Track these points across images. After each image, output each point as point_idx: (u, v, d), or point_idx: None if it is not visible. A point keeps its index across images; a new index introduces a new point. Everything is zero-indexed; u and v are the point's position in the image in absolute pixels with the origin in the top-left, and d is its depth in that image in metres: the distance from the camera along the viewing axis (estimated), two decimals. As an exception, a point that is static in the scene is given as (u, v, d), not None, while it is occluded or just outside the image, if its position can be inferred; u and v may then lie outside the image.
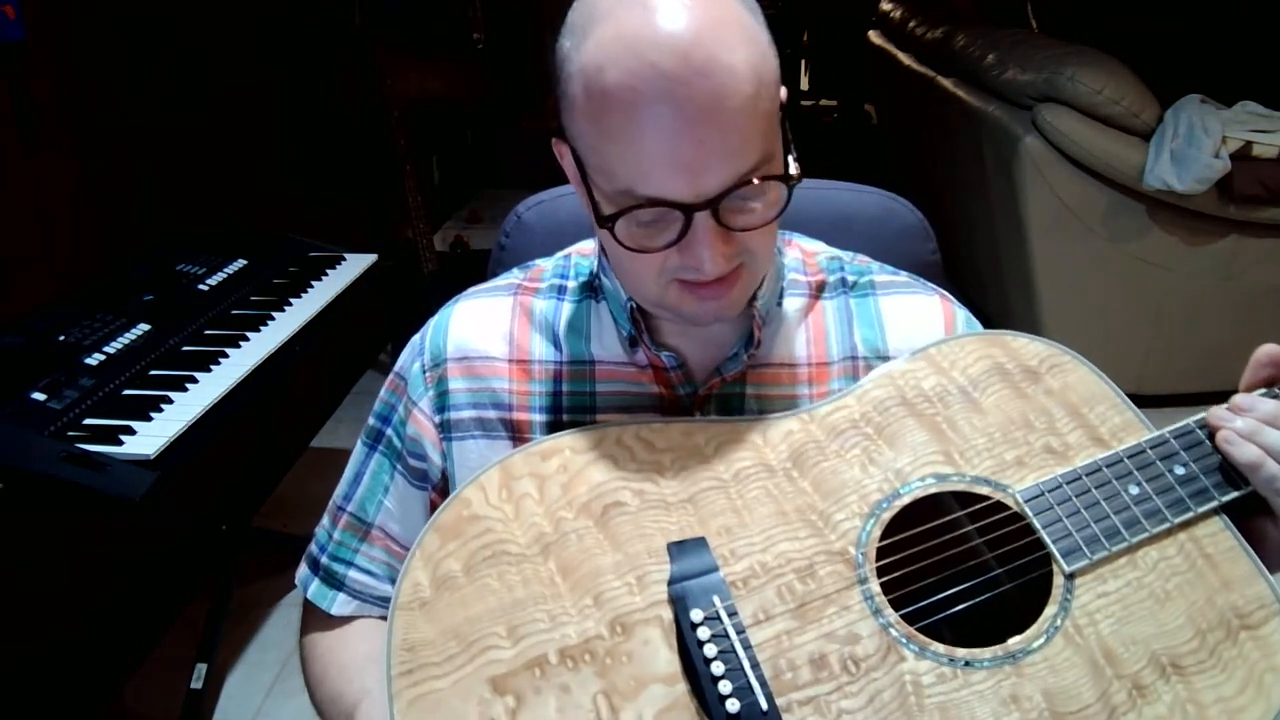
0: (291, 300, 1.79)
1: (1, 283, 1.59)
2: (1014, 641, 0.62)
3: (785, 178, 0.66)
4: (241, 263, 1.89)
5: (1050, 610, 0.62)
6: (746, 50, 0.62)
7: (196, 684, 1.77)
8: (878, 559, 0.66)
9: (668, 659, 0.63)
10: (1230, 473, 0.65)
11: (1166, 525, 0.64)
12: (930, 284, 0.86)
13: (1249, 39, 3.34)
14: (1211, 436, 0.66)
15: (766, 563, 0.66)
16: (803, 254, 0.85)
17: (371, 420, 0.87)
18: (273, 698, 1.86)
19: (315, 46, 2.75)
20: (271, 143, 2.54)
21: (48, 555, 1.66)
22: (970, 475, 0.68)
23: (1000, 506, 0.67)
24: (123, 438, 1.32)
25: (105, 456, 1.26)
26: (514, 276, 0.87)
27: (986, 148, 2.79)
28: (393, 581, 0.85)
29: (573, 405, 0.80)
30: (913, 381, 0.73)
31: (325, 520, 0.88)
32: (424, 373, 0.83)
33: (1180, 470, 0.65)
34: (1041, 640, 0.61)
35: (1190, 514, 0.64)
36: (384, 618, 0.86)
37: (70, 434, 1.31)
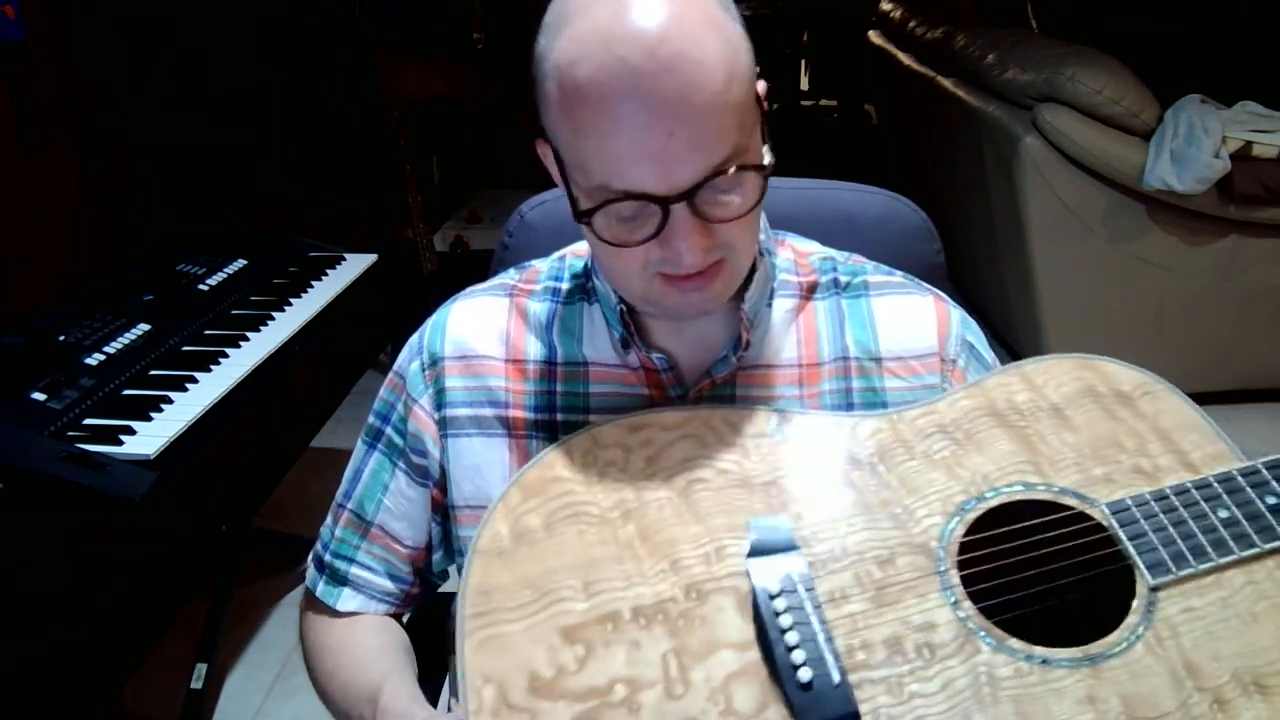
0: (291, 300, 1.78)
1: (1, 283, 1.59)
2: (1094, 646, 0.61)
3: (759, 168, 0.67)
4: (241, 263, 1.89)
5: (1132, 619, 0.62)
6: (716, 44, 0.63)
7: (196, 684, 1.77)
8: (959, 556, 0.66)
9: (740, 627, 0.63)
10: None
11: (1256, 550, 0.63)
12: (925, 284, 0.86)
13: (1249, 39, 3.34)
14: None
15: (847, 547, 0.66)
16: (795, 254, 0.85)
17: (371, 419, 0.87)
18: (273, 698, 1.86)
19: (315, 46, 2.75)
20: (271, 143, 2.54)
21: (48, 555, 1.66)
22: (1058, 486, 0.68)
23: (1086, 518, 0.67)
24: (123, 438, 1.32)
25: (105, 456, 1.26)
26: (509, 277, 0.88)
27: (986, 148, 2.79)
28: (392, 578, 0.86)
29: (566, 405, 0.81)
30: (1004, 394, 0.74)
31: (329, 518, 0.89)
32: (423, 371, 0.84)
33: (1272, 500, 0.64)
34: (1122, 646, 0.61)
35: (1277, 541, 0.63)
36: (389, 614, 0.87)
37: (70, 434, 1.31)
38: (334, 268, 1.95)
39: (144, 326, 1.58)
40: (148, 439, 1.32)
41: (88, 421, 1.34)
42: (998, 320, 3.01)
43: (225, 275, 1.83)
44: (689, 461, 0.71)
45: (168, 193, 2.03)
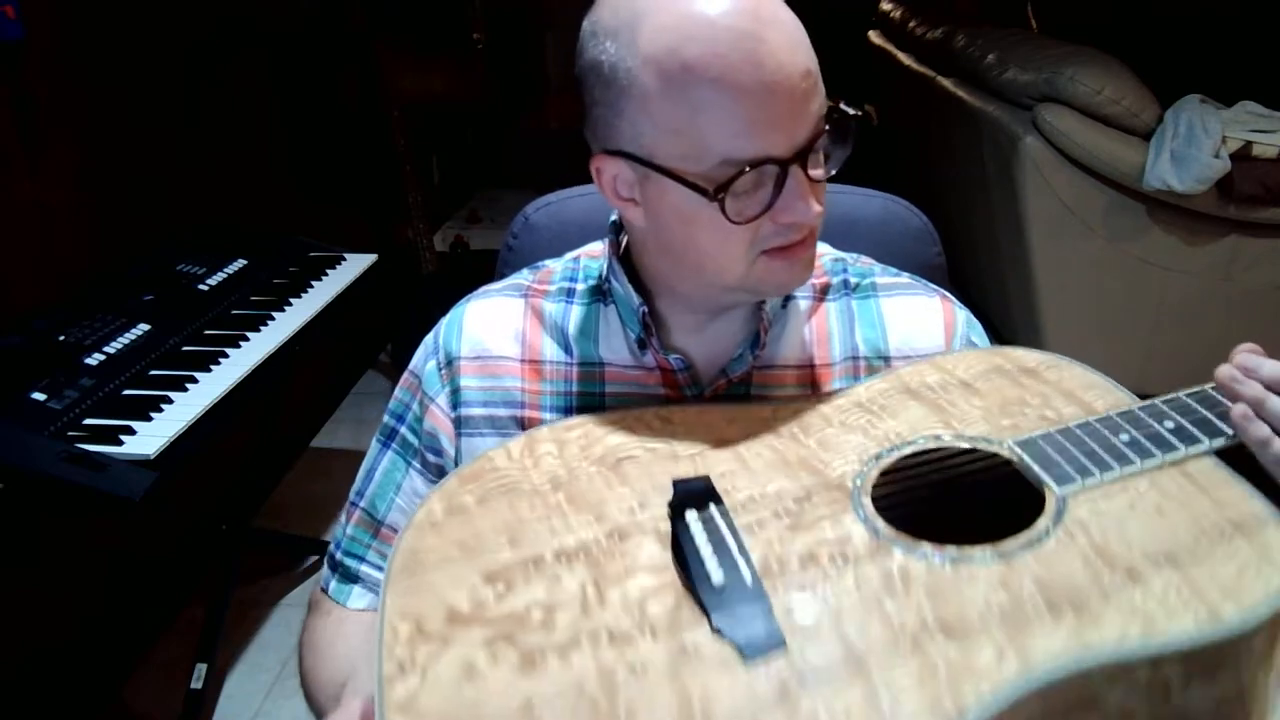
0: (291, 300, 1.79)
1: (1, 283, 1.59)
2: (1005, 543, 0.62)
3: (853, 117, 0.70)
4: (241, 263, 1.89)
5: (1043, 522, 0.63)
6: (785, 5, 0.68)
7: (196, 684, 1.77)
8: (873, 493, 0.69)
9: (659, 555, 0.65)
10: (1217, 425, 0.66)
11: (1156, 460, 0.65)
12: (932, 285, 0.87)
13: (1249, 39, 3.34)
14: (1205, 404, 0.67)
15: (766, 493, 0.69)
16: None
17: (386, 418, 0.88)
18: (272, 698, 1.86)
19: (315, 46, 2.75)
20: (271, 143, 2.54)
21: (48, 555, 1.66)
22: (968, 435, 0.71)
23: (995, 456, 0.70)
24: (123, 438, 1.32)
25: (105, 456, 1.26)
26: (523, 278, 0.88)
27: (986, 148, 2.79)
28: None
29: (583, 406, 0.81)
30: (917, 377, 0.77)
31: (342, 516, 0.89)
32: (439, 370, 0.84)
33: (1170, 424, 0.67)
34: (1033, 542, 0.62)
35: (1180, 453, 0.65)
36: None
37: (70, 434, 1.31)
38: (334, 268, 1.95)
39: (144, 326, 1.59)
40: (148, 439, 1.32)
41: (88, 421, 1.34)
42: (998, 320, 3.01)
43: (225, 275, 1.83)
44: (621, 445, 0.74)
45: (168, 193, 2.03)
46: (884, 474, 0.70)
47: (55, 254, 1.72)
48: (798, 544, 0.64)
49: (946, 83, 3.18)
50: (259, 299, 1.78)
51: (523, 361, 0.83)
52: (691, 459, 0.73)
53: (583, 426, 0.76)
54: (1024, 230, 2.62)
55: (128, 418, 1.36)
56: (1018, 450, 0.68)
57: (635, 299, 0.79)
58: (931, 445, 0.71)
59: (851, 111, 0.69)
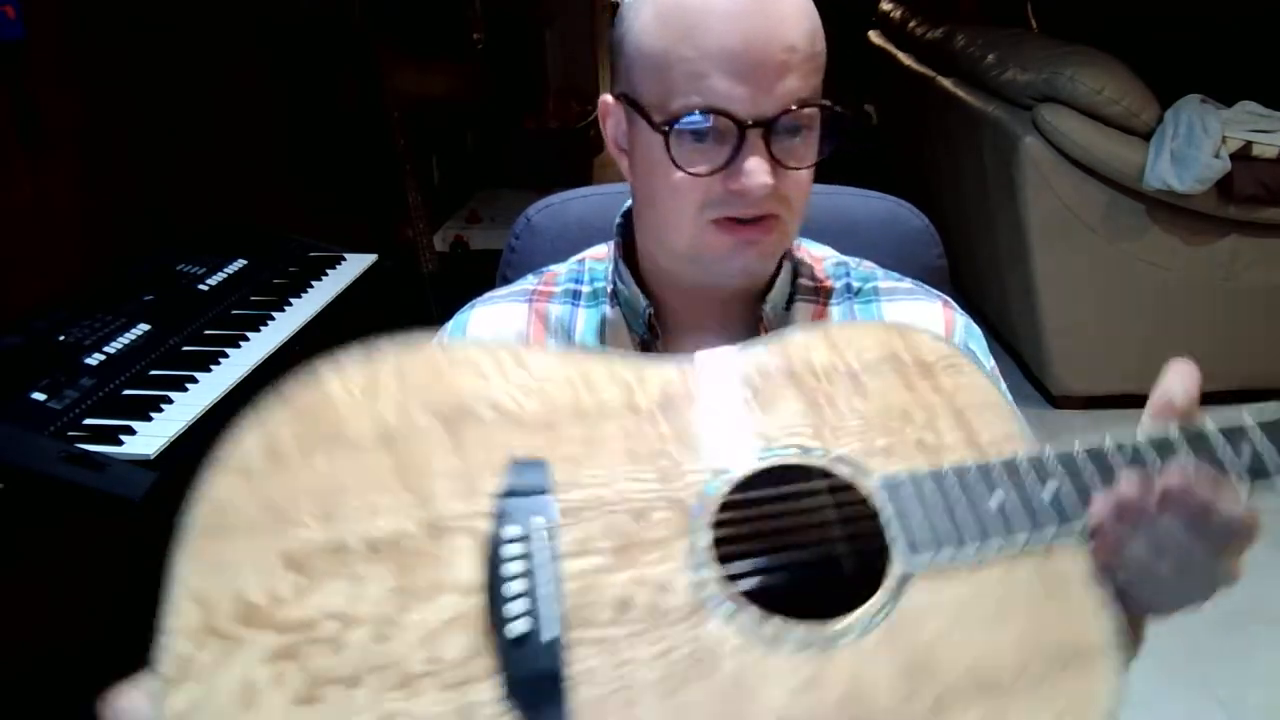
0: (291, 300, 1.78)
1: (1, 283, 1.59)
2: (831, 625, 0.59)
3: (837, 114, 0.70)
4: (241, 263, 1.89)
5: (877, 600, 0.59)
6: None
7: (196, 684, 1.77)
8: (719, 516, 0.64)
9: (471, 570, 0.60)
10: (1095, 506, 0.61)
11: (1020, 543, 0.60)
12: (934, 290, 0.86)
13: (1249, 39, 3.34)
14: (1097, 465, 0.61)
15: (603, 497, 0.63)
16: (810, 259, 0.86)
17: None
18: (273, 698, 1.85)
19: (315, 47, 2.75)
20: (271, 143, 2.54)
21: (47, 555, 1.66)
22: (835, 453, 0.65)
23: (855, 494, 0.65)
24: (123, 438, 1.32)
25: (105, 456, 1.26)
26: (528, 282, 0.88)
27: (986, 148, 2.79)
28: None
29: None
30: (803, 354, 0.69)
31: None
32: None
33: (1050, 490, 0.61)
34: (857, 632, 0.58)
35: (1049, 532, 0.60)
36: None
37: (70, 434, 1.31)
38: (334, 268, 1.95)
39: (144, 326, 1.58)
40: (148, 439, 1.32)
41: (88, 421, 1.34)
42: (997, 320, 3.01)
43: (225, 275, 1.83)
44: (465, 393, 0.66)
45: (168, 193, 2.03)
46: (737, 488, 0.65)
47: (55, 254, 1.72)
48: (617, 583, 0.60)
49: (946, 83, 3.18)
50: (259, 299, 1.78)
51: None
52: (536, 430, 0.65)
53: (426, 354, 0.69)
54: (1024, 230, 2.62)
55: (128, 418, 1.36)
56: (881, 493, 0.63)
57: (642, 301, 0.79)
58: (795, 461, 0.65)
59: (835, 108, 0.70)
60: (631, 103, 0.72)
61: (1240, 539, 0.59)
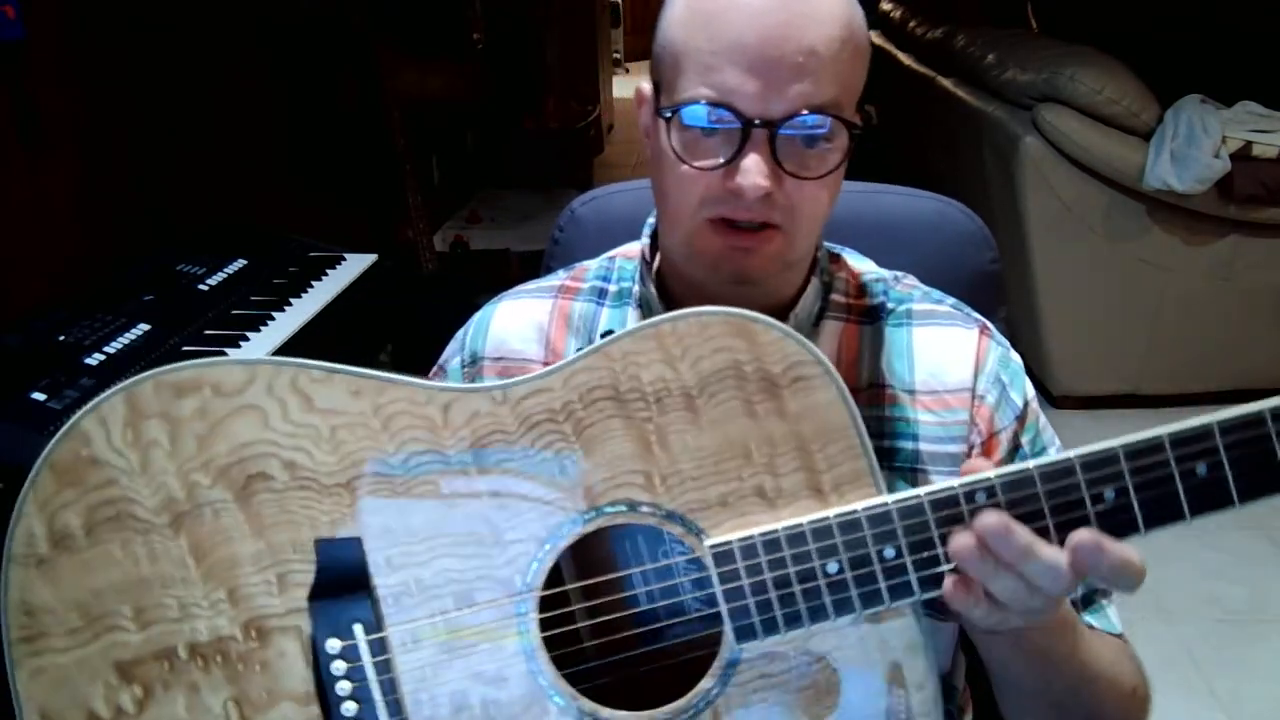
0: (291, 300, 1.78)
1: (1, 283, 1.59)
2: (661, 713, 0.58)
3: (850, 127, 0.67)
4: (241, 263, 1.89)
5: (706, 684, 0.58)
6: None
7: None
8: (545, 590, 0.61)
9: (303, 676, 0.58)
10: (941, 566, 0.58)
11: (853, 615, 0.58)
12: (975, 316, 0.81)
13: (1249, 39, 3.34)
14: (940, 521, 0.57)
15: (424, 579, 0.59)
16: (849, 274, 0.83)
17: None
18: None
19: (315, 47, 2.75)
20: (271, 143, 2.54)
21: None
22: (666, 509, 0.60)
23: (689, 560, 0.62)
24: (123, 438, 1.32)
25: (105, 456, 1.26)
26: (558, 278, 0.87)
27: (986, 148, 2.79)
28: None
29: None
30: (631, 369, 0.61)
31: None
32: (462, 367, 0.84)
33: (890, 553, 0.57)
34: (686, 716, 0.58)
35: (883, 607, 0.58)
36: None
37: (70, 434, 1.31)
38: (334, 268, 1.95)
39: (144, 326, 1.58)
40: (148, 439, 1.32)
41: (88, 421, 1.34)
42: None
43: (225, 275, 1.83)
44: (249, 447, 0.60)
45: (168, 193, 2.03)
46: (563, 558, 0.61)
47: (55, 254, 1.72)
48: (452, 680, 0.58)
49: (946, 83, 3.19)
50: (259, 299, 1.78)
51: (545, 364, 0.81)
52: (338, 492, 0.59)
53: (198, 395, 0.60)
54: (1024, 230, 2.62)
55: (128, 418, 1.36)
56: (710, 565, 0.59)
57: (659, 307, 0.77)
58: (621, 521, 0.60)
59: (849, 121, 0.67)
60: (655, 90, 0.72)
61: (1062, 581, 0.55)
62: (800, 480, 0.60)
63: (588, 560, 0.62)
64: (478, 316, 0.86)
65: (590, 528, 0.60)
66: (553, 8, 5.01)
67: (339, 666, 0.58)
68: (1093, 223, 2.57)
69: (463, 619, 0.59)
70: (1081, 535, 0.54)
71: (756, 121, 0.64)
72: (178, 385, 0.60)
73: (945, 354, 0.78)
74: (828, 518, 0.58)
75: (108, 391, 0.60)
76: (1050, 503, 0.56)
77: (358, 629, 0.58)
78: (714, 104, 0.65)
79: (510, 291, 0.87)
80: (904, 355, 0.78)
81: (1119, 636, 0.75)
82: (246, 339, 1.62)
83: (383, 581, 0.59)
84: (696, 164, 0.67)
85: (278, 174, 2.58)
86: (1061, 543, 0.55)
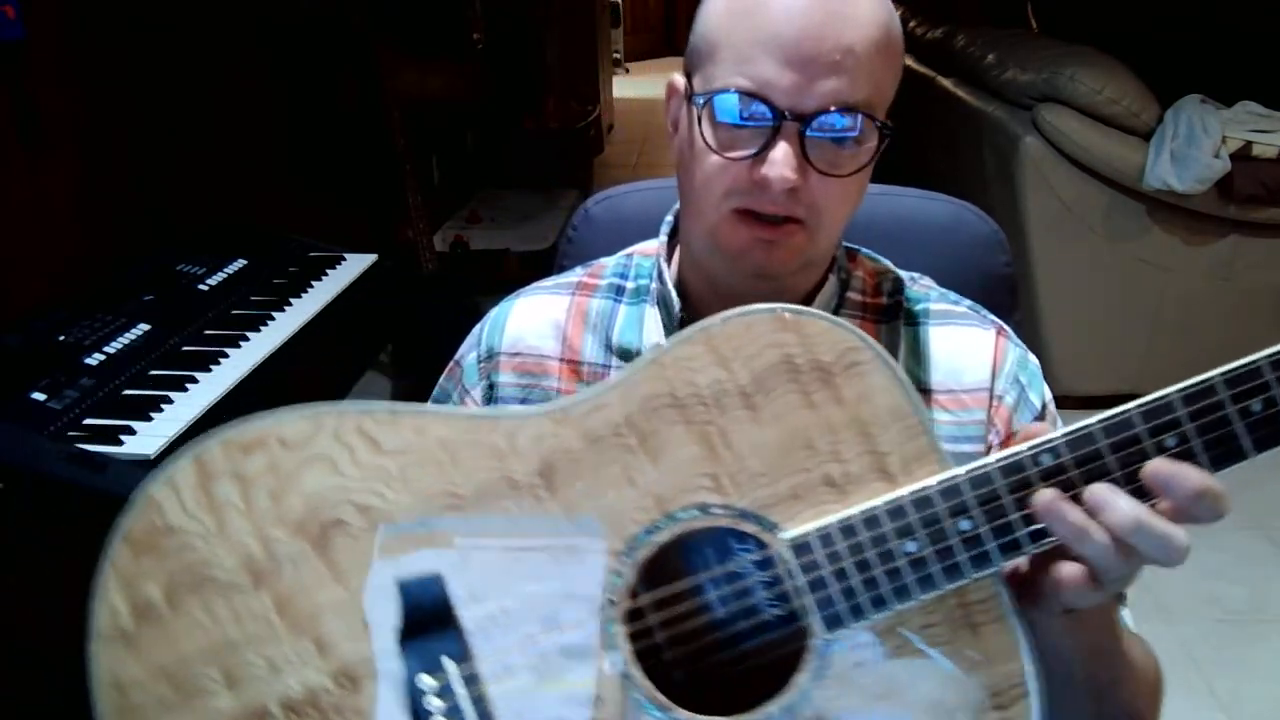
0: (291, 300, 1.79)
1: (1, 283, 1.59)
2: (763, 713, 0.58)
3: (882, 127, 0.68)
4: (241, 263, 1.89)
5: (800, 679, 0.59)
6: (883, 4, 0.68)
7: (196, 684, 1.77)
8: (631, 605, 0.60)
9: (400, 718, 0.58)
10: (1018, 532, 0.58)
11: (938, 592, 0.58)
12: (991, 317, 0.82)
13: (1249, 39, 3.34)
14: (1012, 486, 0.58)
15: (508, 607, 0.59)
16: (865, 273, 0.83)
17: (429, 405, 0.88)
18: (273, 698, 1.85)
19: (315, 47, 2.75)
20: (271, 142, 2.54)
21: (47, 555, 1.66)
22: (738, 508, 0.60)
23: (768, 559, 0.62)
24: (123, 438, 1.32)
25: (105, 456, 1.26)
26: (576, 274, 0.87)
27: (986, 148, 2.79)
28: None
29: None
30: (686, 375, 0.61)
31: None
32: (478, 363, 0.84)
33: (966, 525, 0.57)
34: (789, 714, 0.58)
35: (965, 581, 0.58)
36: None
37: (70, 434, 1.31)
38: (334, 268, 1.95)
39: (144, 326, 1.58)
40: (148, 439, 1.32)
41: (88, 421, 1.34)
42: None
43: (225, 275, 1.83)
44: (322, 496, 0.60)
45: (168, 193, 2.03)
46: (643, 570, 0.61)
47: (55, 254, 1.72)
48: (548, 705, 0.57)
49: (946, 83, 3.19)
50: (259, 299, 1.78)
51: (562, 360, 0.82)
52: (415, 533, 0.59)
53: (265, 451, 0.60)
54: (1024, 230, 2.63)
55: (128, 418, 1.36)
56: (790, 561, 0.59)
57: (676, 303, 0.78)
58: (697, 526, 0.60)
59: (880, 121, 0.68)
60: (687, 76, 0.72)
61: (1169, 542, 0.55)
62: (867, 464, 0.60)
63: (658, 569, 0.62)
64: (494, 313, 0.86)
65: (666, 535, 0.60)
66: (553, 8, 5.01)
67: (434, 703, 0.58)
68: (1093, 223, 2.57)
69: (551, 642, 0.59)
70: (1156, 464, 0.55)
71: (788, 114, 0.65)
72: (244, 443, 0.60)
73: (962, 354, 0.78)
74: (901, 497, 0.58)
75: (175, 457, 0.60)
76: (1115, 455, 0.56)
77: (448, 664, 0.58)
78: (748, 94, 0.66)
79: (527, 288, 0.87)
80: (920, 355, 0.79)
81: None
82: (246, 339, 1.62)
83: (467, 614, 0.59)
84: (727, 154, 0.67)
85: (278, 174, 2.58)
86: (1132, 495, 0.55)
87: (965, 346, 0.78)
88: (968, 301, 0.83)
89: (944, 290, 0.83)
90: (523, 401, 0.82)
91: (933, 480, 0.58)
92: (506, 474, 0.60)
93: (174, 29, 2.07)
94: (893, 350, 0.79)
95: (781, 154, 0.65)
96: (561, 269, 0.91)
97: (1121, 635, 0.68)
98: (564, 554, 0.60)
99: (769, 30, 0.65)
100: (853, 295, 0.81)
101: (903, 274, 0.83)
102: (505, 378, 0.82)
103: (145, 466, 1.28)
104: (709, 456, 0.60)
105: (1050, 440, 0.57)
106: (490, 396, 0.83)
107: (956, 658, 0.58)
